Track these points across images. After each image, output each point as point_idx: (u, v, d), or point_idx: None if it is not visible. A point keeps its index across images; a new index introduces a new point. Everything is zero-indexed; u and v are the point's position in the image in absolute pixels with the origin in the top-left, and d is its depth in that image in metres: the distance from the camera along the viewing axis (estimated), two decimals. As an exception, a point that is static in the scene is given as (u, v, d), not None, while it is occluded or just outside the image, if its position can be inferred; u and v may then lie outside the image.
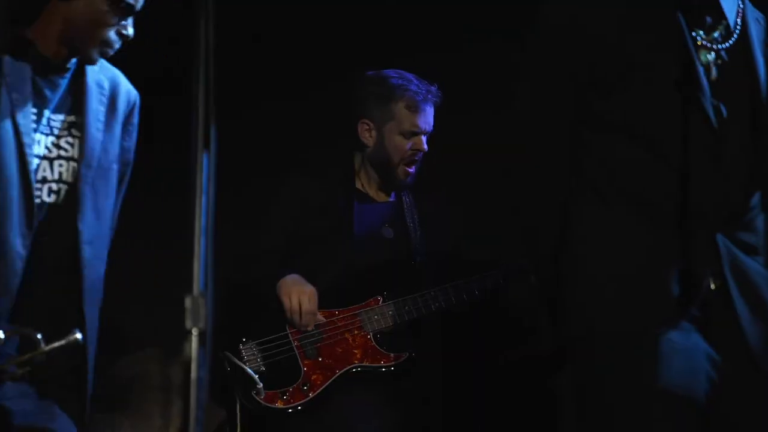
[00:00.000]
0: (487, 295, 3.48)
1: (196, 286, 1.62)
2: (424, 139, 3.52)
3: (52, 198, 2.47)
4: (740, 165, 2.29)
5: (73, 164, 2.49)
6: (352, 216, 3.51)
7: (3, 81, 2.40)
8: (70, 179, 2.49)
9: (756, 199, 2.32)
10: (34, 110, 2.45)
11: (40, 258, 2.44)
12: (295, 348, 3.35)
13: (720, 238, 2.26)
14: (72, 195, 2.48)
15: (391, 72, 3.55)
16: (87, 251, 2.50)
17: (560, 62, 2.35)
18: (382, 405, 3.37)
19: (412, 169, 3.53)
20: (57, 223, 2.47)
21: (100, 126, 2.54)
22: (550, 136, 2.37)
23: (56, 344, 2.31)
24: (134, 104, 2.66)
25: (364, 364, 3.37)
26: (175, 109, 2.65)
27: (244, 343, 3.33)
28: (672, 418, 2.22)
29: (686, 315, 2.26)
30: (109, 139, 2.57)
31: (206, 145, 1.66)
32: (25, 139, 2.41)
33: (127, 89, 2.65)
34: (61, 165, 2.48)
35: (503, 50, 3.18)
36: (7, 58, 2.42)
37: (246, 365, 3.27)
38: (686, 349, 2.25)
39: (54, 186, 2.47)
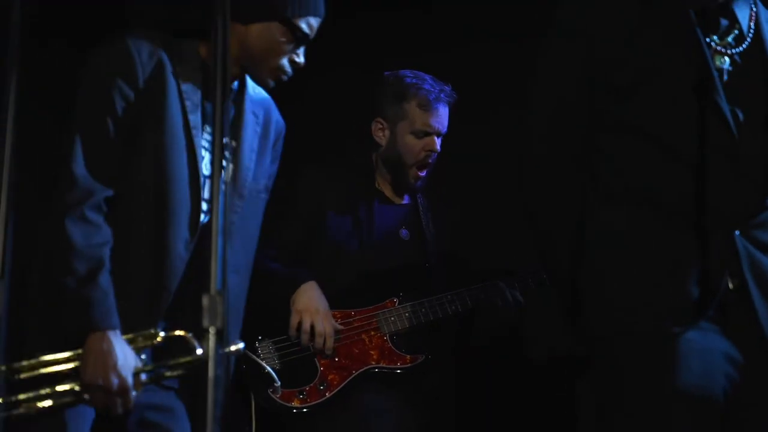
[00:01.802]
0: (504, 301, 3.48)
1: (213, 285, 1.63)
2: (437, 140, 3.51)
3: (203, 218, 2.45)
4: (757, 166, 2.30)
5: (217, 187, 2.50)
6: (373, 216, 3.51)
7: (179, 88, 2.41)
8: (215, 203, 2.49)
9: None
10: (202, 127, 2.44)
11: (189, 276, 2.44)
12: (311, 347, 3.35)
13: (738, 238, 2.26)
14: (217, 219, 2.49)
15: (406, 71, 3.55)
16: (233, 280, 2.45)
17: (575, 69, 2.36)
18: (397, 405, 3.37)
19: (423, 173, 3.53)
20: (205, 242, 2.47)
21: (254, 156, 2.56)
22: (565, 141, 2.38)
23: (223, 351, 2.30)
24: (281, 134, 2.68)
25: (381, 365, 3.37)
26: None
27: (260, 341, 3.33)
28: (691, 418, 2.22)
29: (705, 315, 2.25)
30: (259, 168, 2.58)
31: (221, 147, 1.66)
32: (197, 150, 2.41)
33: (276, 119, 2.67)
34: (210, 186, 2.44)
35: (520, 55, 3.19)
36: (181, 68, 2.43)
37: (263, 363, 3.27)
38: (705, 349, 2.24)
39: (205, 206, 2.44)
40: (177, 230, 2.39)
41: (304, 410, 3.28)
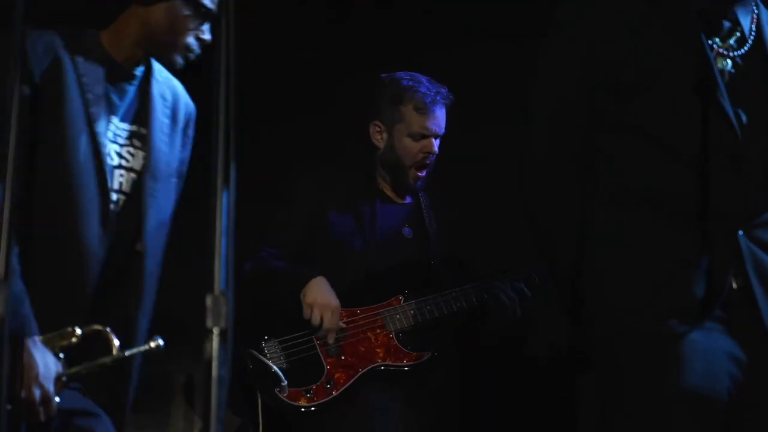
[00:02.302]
0: (509, 298, 3.47)
1: (217, 284, 1.62)
2: (434, 141, 3.51)
3: (112, 207, 2.44)
4: (759, 166, 2.30)
5: (132, 175, 2.47)
6: (376, 215, 3.51)
7: (79, 80, 2.39)
8: (127, 190, 2.47)
9: None
10: (104, 117, 2.44)
11: (106, 264, 2.43)
12: (317, 346, 3.35)
13: (741, 238, 2.25)
14: (129, 206, 2.46)
15: (403, 74, 3.55)
16: (149, 263, 2.49)
17: (576, 69, 2.35)
18: (403, 403, 3.37)
19: (422, 173, 3.53)
20: (120, 234, 2.45)
21: (165, 138, 2.54)
22: (565, 141, 2.38)
23: (139, 349, 2.29)
24: (191, 117, 2.65)
25: (387, 363, 3.37)
26: (196, 106, 2.67)
27: (266, 341, 3.33)
28: (694, 418, 2.22)
29: (709, 315, 2.25)
30: (170, 152, 2.56)
31: (227, 145, 1.66)
32: (101, 140, 2.40)
33: (186, 101, 2.65)
34: (121, 175, 2.46)
35: (520, 55, 3.18)
36: (81, 59, 2.41)
37: (270, 362, 3.28)
38: (708, 349, 2.24)
39: (114, 196, 2.44)
40: (86, 226, 2.37)
41: (311, 409, 3.29)
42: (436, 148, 3.52)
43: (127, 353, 2.27)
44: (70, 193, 2.36)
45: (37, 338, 2.24)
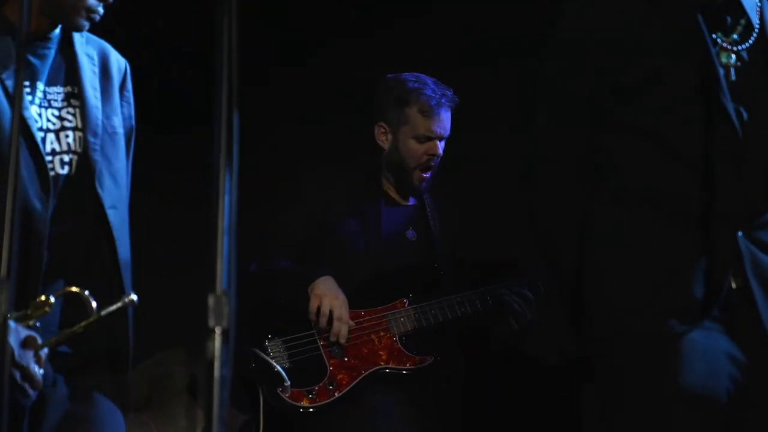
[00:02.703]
0: (516, 304, 3.47)
1: (219, 284, 1.62)
2: (439, 144, 3.51)
3: (66, 169, 2.45)
4: (761, 166, 2.29)
5: (79, 134, 2.48)
6: (380, 217, 3.51)
7: None
8: (79, 149, 2.48)
9: None
10: (27, 83, 2.43)
11: (66, 229, 2.43)
12: (321, 347, 3.35)
13: (741, 239, 2.25)
14: (84, 164, 2.47)
15: (408, 75, 3.55)
16: (112, 215, 2.48)
17: (579, 69, 2.35)
18: (406, 406, 3.37)
19: (427, 175, 3.52)
20: (76, 193, 2.45)
21: (98, 94, 2.53)
22: (568, 141, 2.38)
23: (112, 307, 2.29)
24: (125, 72, 2.65)
25: (390, 365, 3.37)
26: (198, 107, 2.67)
27: (270, 340, 3.33)
28: (694, 418, 2.22)
29: (708, 315, 2.25)
30: (109, 106, 2.56)
31: (229, 145, 1.65)
32: (25, 113, 2.38)
33: (116, 58, 2.65)
34: (67, 136, 2.47)
35: (524, 56, 3.18)
36: None
37: (273, 362, 3.28)
38: (708, 349, 2.24)
39: (65, 157, 2.45)
40: (28, 191, 2.37)
41: (313, 410, 3.28)
42: (440, 151, 3.52)
43: (102, 313, 2.27)
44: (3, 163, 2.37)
45: (12, 323, 2.23)
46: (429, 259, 3.53)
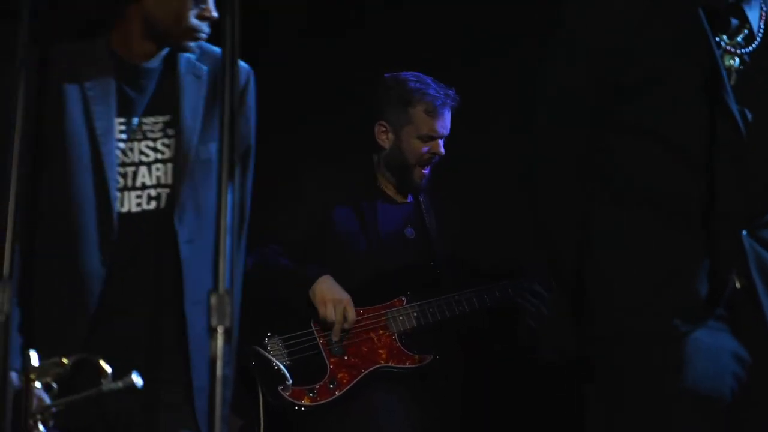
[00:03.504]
0: (511, 302, 3.48)
1: (222, 283, 1.62)
2: (441, 143, 3.52)
3: (152, 205, 2.39)
4: (764, 165, 2.29)
5: (171, 165, 2.41)
6: (377, 215, 3.52)
7: (85, 95, 2.35)
8: (169, 181, 2.40)
9: None
10: (122, 119, 2.39)
11: (135, 263, 2.38)
12: (320, 345, 3.36)
13: (745, 238, 2.25)
14: (173, 198, 2.39)
15: (408, 75, 3.55)
16: (185, 251, 2.38)
17: (581, 69, 2.35)
18: (406, 405, 3.37)
19: (426, 170, 3.53)
20: (158, 231, 2.38)
21: (198, 117, 2.43)
22: (570, 141, 2.37)
23: (114, 385, 2.14)
24: (246, 86, 2.51)
25: (389, 364, 3.37)
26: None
27: (269, 338, 3.33)
28: (698, 417, 2.22)
29: (712, 314, 2.25)
30: (209, 130, 2.44)
31: (231, 144, 1.66)
32: (103, 150, 2.34)
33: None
34: (158, 169, 2.40)
35: (523, 56, 3.18)
36: (88, 72, 2.37)
37: (276, 360, 3.28)
38: (712, 348, 2.24)
39: (153, 192, 2.39)
40: (86, 246, 2.33)
41: (314, 408, 3.28)
42: (442, 149, 3.53)
43: (103, 389, 2.13)
44: (71, 213, 2.33)
45: (14, 374, 2.16)
46: (427, 257, 3.53)
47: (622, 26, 2.29)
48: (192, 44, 2.41)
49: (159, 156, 2.42)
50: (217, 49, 2.47)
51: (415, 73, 3.57)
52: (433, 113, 3.50)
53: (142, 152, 2.41)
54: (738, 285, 2.26)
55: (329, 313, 3.33)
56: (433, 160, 3.53)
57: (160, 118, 2.43)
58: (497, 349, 3.68)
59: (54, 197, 2.33)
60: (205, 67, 2.47)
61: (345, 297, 3.36)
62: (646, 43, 2.28)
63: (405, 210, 3.60)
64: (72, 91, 2.35)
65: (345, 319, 3.33)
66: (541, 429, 3.88)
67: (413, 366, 3.38)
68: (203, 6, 2.37)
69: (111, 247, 2.35)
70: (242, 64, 2.47)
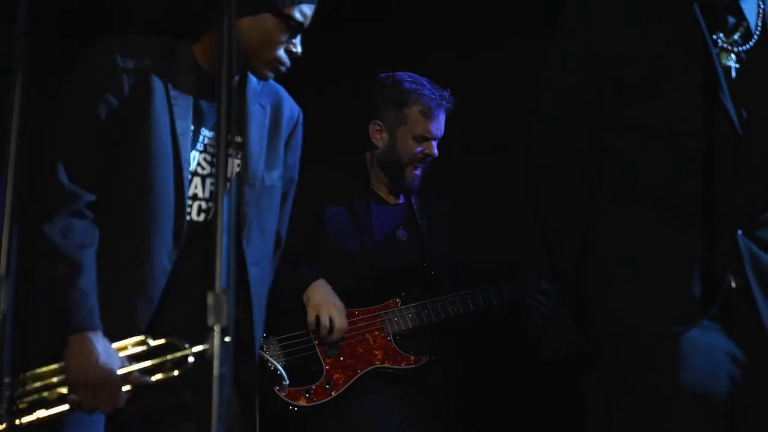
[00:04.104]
0: (506, 303, 3.49)
1: (219, 283, 1.63)
2: (434, 144, 3.53)
3: (201, 217, 2.44)
4: (761, 165, 2.29)
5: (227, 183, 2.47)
6: (371, 216, 3.52)
7: (167, 93, 2.39)
8: None
9: None
10: (192, 128, 2.43)
11: (185, 275, 2.42)
12: (316, 346, 3.36)
13: (741, 237, 2.26)
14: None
15: (404, 75, 3.56)
16: (253, 272, 2.49)
17: (582, 69, 2.36)
18: (402, 406, 3.37)
19: (418, 171, 3.54)
20: (202, 243, 2.42)
21: (264, 145, 2.52)
22: (571, 140, 2.38)
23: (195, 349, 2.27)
24: (297, 121, 2.65)
25: (385, 365, 3.38)
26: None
27: (265, 339, 3.33)
28: (695, 417, 2.22)
29: (708, 314, 2.25)
30: (273, 158, 2.54)
31: (229, 145, 1.67)
32: (183, 156, 2.39)
33: (290, 105, 2.64)
34: (213, 183, 2.44)
35: (524, 55, 3.18)
36: (171, 71, 2.41)
37: (273, 361, 3.28)
38: (708, 347, 2.25)
39: (203, 204, 2.44)
40: (160, 239, 2.38)
41: (310, 409, 3.28)
42: (436, 151, 3.54)
43: (175, 372, 2.27)
44: (149, 206, 2.37)
45: (100, 333, 2.26)
46: (419, 259, 3.54)
47: (623, 26, 2.30)
48: (269, 76, 2.47)
49: (215, 171, 2.44)
50: (278, 87, 2.60)
51: (411, 74, 3.57)
52: (428, 114, 3.51)
53: (200, 164, 2.45)
54: (734, 285, 2.27)
55: (312, 319, 3.33)
56: (425, 161, 3.54)
57: None
58: (495, 350, 3.68)
59: (134, 184, 2.37)
60: (270, 97, 2.57)
61: (338, 303, 3.36)
62: (645, 43, 2.29)
63: (397, 212, 3.61)
64: (158, 86, 2.39)
65: (331, 326, 3.33)
66: (538, 428, 3.88)
67: (409, 367, 3.39)
68: (293, 41, 2.43)
69: (179, 245, 2.40)
70: (293, 104, 2.64)
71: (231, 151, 2.43)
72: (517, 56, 3.69)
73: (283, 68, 2.46)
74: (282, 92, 2.64)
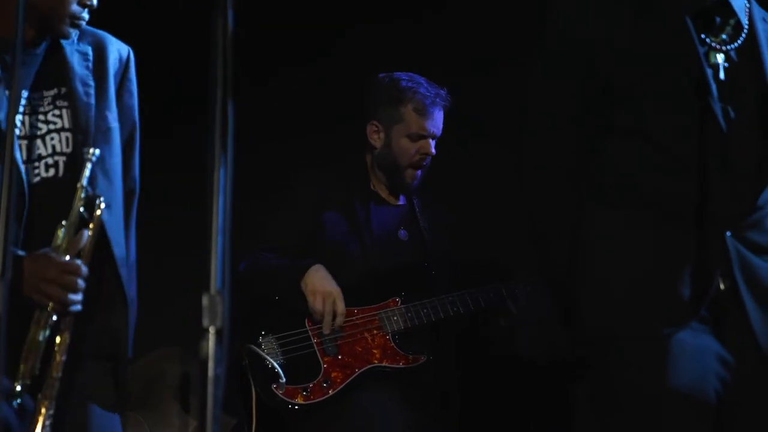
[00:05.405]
0: (504, 304, 3.49)
1: (214, 284, 1.63)
2: (431, 142, 3.53)
3: (51, 172, 2.43)
4: (749, 165, 2.30)
5: (65, 134, 2.46)
6: (371, 217, 3.52)
7: None
8: (66, 149, 2.45)
9: (765, 198, 2.31)
10: (8, 92, 2.38)
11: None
12: (314, 344, 3.36)
13: (729, 239, 2.26)
14: (72, 164, 2.44)
15: (401, 74, 3.57)
16: (105, 215, 2.44)
17: (572, 71, 2.37)
18: (400, 404, 3.37)
19: (419, 173, 3.54)
20: (64, 194, 2.41)
21: (90, 90, 2.50)
22: (563, 143, 2.38)
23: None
24: (128, 60, 2.61)
25: (383, 364, 3.38)
26: (193, 107, 2.67)
27: (263, 336, 3.34)
28: (683, 418, 2.23)
29: (696, 316, 2.26)
30: (104, 102, 2.52)
31: (224, 146, 1.66)
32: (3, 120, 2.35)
33: (116, 48, 2.61)
34: (53, 138, 2.44)
35: (515, 58, 3.18)
36: None
37: (270, 359, 3.28)
38: (696, 349, 2.25)
39: (50, 160, 2.43)
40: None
41: (307, 407, 3.29)
42: (432, 149, 3.54)
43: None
44: None
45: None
46: (421, 259, 3.54)
47: (610, 27, 2.31)
48: (69, 32, 2.46)
49: (51, 127, 2.45)
50: (101, 32, 2.57)
51: (408, 73, 3.58)
52: (423, 112, 3.51)
53: (32, 125, 2.45)
54: (722, 287, 2.27)
55: (318, 304, 3.33)
56: (424, 162, 3.54)
57: (48, 92, 2.47)
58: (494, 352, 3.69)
59: None
60: (90, 45, 2.54)
61: (335, 289, 3.36)
62: (634, 44, 2.29)
63: (398, 212, 3.61)
64: None
65: (335, 311, 3.34)
66: (538, 428, 3.89)
67: (407, 366, 3.39)
68: None
69: (25, 216, 2.39)
70: (120, 44, 2.60)
71: (62, 103, 2.44)
72: (518, 58, 3.70)
73: (81, 22, 2.45)
74: (104, 35, 2.61)
